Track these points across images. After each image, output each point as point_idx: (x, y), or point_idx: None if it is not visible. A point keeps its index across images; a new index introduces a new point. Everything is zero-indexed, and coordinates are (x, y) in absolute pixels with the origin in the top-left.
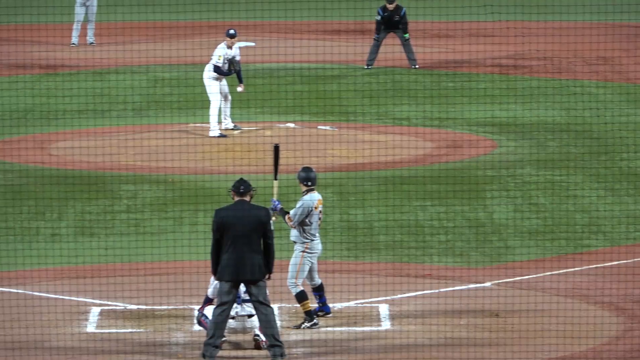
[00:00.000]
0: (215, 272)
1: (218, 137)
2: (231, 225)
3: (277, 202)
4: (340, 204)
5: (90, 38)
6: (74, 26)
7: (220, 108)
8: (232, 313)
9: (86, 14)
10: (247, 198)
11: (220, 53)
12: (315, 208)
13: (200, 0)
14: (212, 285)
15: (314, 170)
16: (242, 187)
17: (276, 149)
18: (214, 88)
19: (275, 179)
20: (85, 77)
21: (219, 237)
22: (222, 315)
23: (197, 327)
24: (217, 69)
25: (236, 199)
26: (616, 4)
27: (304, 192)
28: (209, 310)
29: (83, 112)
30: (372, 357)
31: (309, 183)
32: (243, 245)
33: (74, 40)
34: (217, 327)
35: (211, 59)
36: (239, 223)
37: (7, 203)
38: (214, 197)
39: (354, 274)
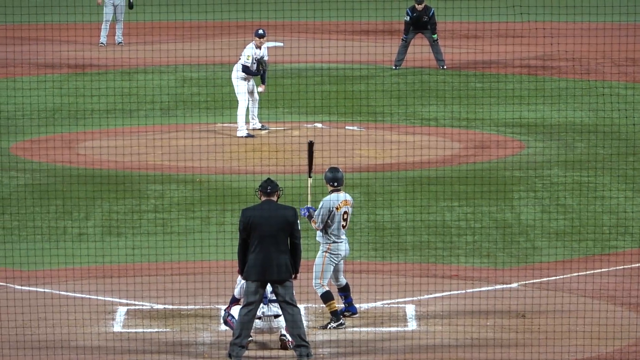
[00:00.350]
0: (242, 271)
1: (245, 137)
2: (258, 225)
3: (305, 211)
4: (367, 205)
5: (118, 38)
6: (103, 26)
7: (247, 108)
8: (259, 313)
9: (114, 13)
10: (274, 198)
11: (249, 53)
12: (338, 209)
13: (229, 0)
14: (239, 285)
15: (341, 170)
16: (269, 187)
17: (310, 145)
18: (242, 88)
19: (310, 177)
20: (113, 77)
21: (246, 236)
22: (249, 315)
23: (223, 327)
24: (245, 68)
25: (263, 198)
26: None
27: (330, 192)
28: (235, 310)
29: (111, 112)
30: (399, 357)
31: (335, 184)
32: (270, 245)
33: (103, 40)
34: (243, 327)
35: (239, 58)
36: (266, 223)
37: (35, 202)
38: (241, 197)
39: (380, 274)
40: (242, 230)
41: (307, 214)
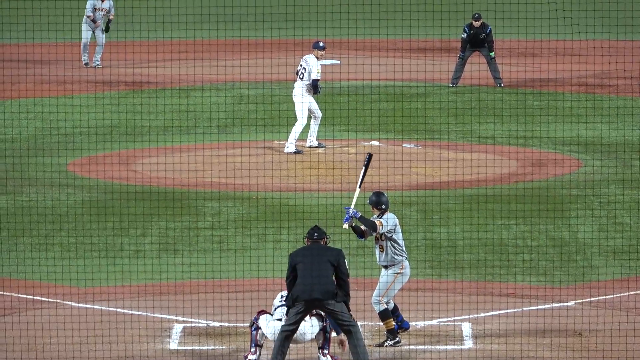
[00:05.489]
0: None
1: (294, 153)
2: (305, 262)
3: (354, 212)
4: (424, 222)
5: (97, 61)
6: (82, 45)
7: (310, 125)
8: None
9: (91, 30)
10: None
11: (319, 66)
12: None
13: (286, 18)
14: (274, 305)
15: (385, 194)
16: (316, 234)
17: (369, 157)
18: (305, 105)
19: (359, 187)
20: (170, 94)
21: (295, 275)
22: (283, 336)
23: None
24: (315, 83)
25: (309, 244)
26: None
27: (377, 215)
28: (263, 321)
29: (168, 129)
30: None
31: (383, 207)
32: (316, 271)
33: (85, 59)
34: (278, 352)
35: (301, 74)
36: (313, 260)
37: (92, 219)
38: (298, 214)
39: (437, 292)
40: (290, 271)
41: (348, 219)
